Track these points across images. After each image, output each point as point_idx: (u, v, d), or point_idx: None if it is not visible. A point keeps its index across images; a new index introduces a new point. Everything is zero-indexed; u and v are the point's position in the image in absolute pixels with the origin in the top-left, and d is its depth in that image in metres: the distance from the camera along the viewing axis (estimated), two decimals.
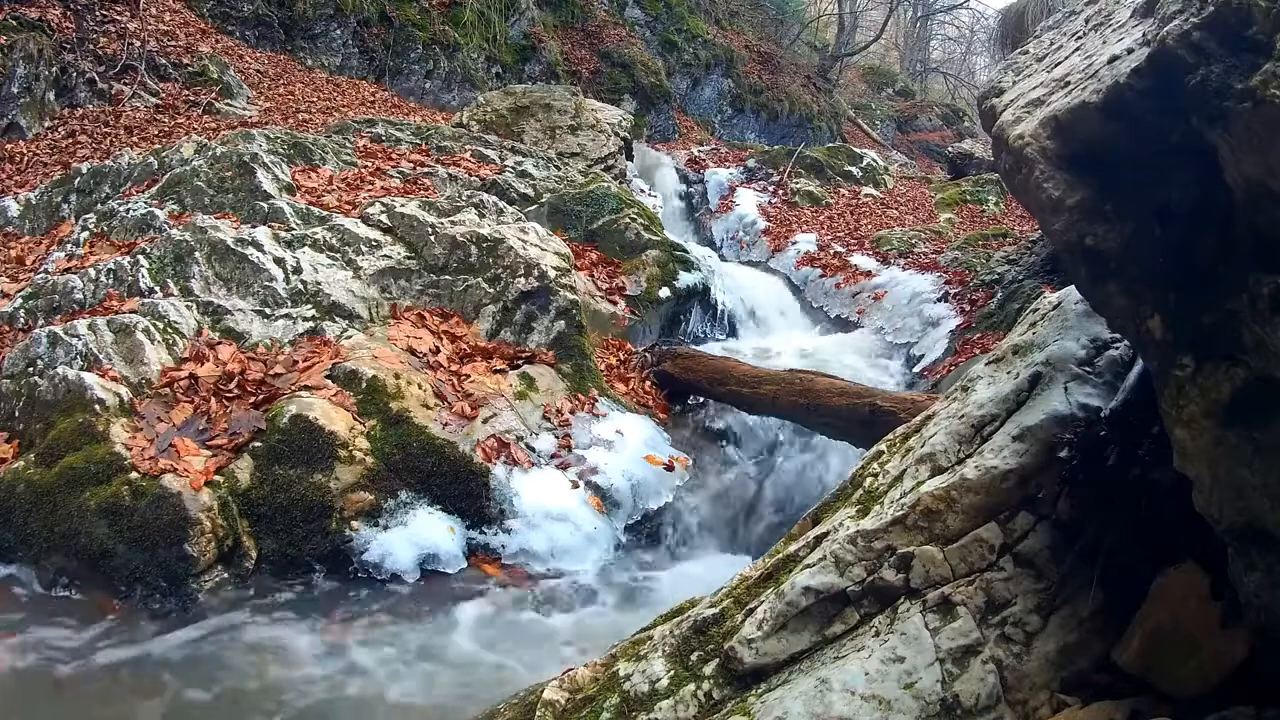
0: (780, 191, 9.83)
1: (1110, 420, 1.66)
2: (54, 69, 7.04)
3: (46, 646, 2.90)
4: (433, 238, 4.68)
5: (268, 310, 4.19)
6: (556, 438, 4.04)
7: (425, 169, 5.94)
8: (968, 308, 5.96)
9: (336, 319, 4.23)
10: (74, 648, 2.90)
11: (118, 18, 8.00)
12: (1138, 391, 1.66)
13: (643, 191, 8.72)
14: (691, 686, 1.69)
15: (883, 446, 2.09)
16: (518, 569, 3.54)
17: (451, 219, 4.84)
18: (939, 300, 6.30)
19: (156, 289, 4.17)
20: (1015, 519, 1.67)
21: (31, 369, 3.68)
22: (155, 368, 3.73)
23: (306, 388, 3.72)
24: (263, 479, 3.42)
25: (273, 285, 4.25)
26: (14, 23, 6.97)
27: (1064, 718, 1.45)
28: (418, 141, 6.56)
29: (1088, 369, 1.82)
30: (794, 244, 8.28)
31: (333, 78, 9.72)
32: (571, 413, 4.20)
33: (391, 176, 5.73)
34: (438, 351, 4.20)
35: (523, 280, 4.58)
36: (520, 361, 4.36)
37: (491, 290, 4.57)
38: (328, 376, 3.80)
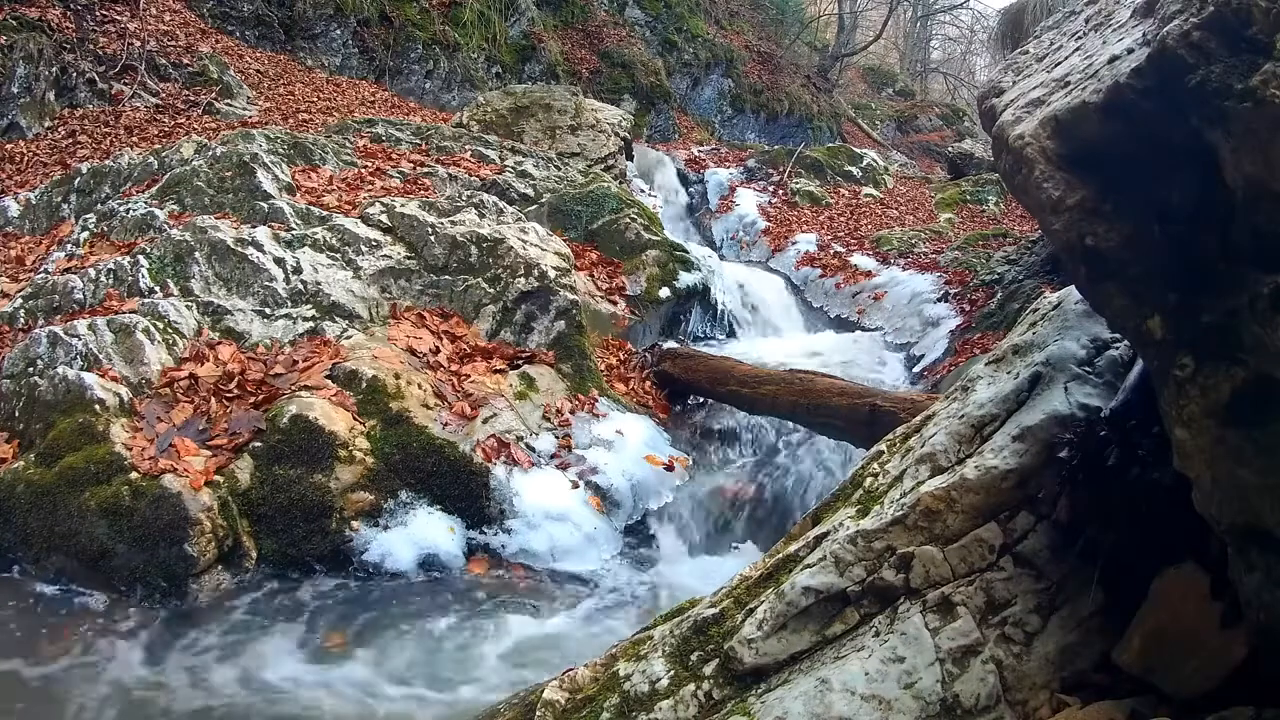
0: (780, 191, 9.83)
1: (1110, 420, 1.66)
2: (54, 69, 7.04)
3: (46, 647, 2.90)
4: (433, 238, 4.68)
5: (268, 310, 4.19)
6: (556, 438, 4.04)
7: (425, 169, 5.94)
8: (968, 308, 5.97)
9: (336, 319, 4.23)
10: (73, 648, 2.90)
11: (118, 18, 8.00)
12: (1138, 391, 1.65)
13: (643, 191, 8.73)
14: (691, 686, 1.69)
15: (883, 446, 2.09)
16: (518, 569, 3.54)
17: (451, 219, 4.84)
18: (939, 300, 6.31)
19: (156, 289, 4.17)
20: (1015, 519, 1.67)
21: (31, 369, 3.68)
22: (155, 368, 3.73)
23: (306, 388, 3.72)
24: (263, 479, 3.42)
25: (273, 285, 4.25)
26: (14, 23, 6.97)
27: (1064, 718, 1.45)
28: (418, 141, 6.56)
29: (1088, 369, 1.82)
30: (794, 244, 8.29)
31: (333, 78, 9.73)
32: (571, 413, 4.20)
33: (391, 176, 5.73)
34: (438, 351, 4.20)
35: (523, 280, 4.58)
36: (520, 361, 4.35)
37: (491, 290, 4.57)
38: (328, 376, 3.80)
